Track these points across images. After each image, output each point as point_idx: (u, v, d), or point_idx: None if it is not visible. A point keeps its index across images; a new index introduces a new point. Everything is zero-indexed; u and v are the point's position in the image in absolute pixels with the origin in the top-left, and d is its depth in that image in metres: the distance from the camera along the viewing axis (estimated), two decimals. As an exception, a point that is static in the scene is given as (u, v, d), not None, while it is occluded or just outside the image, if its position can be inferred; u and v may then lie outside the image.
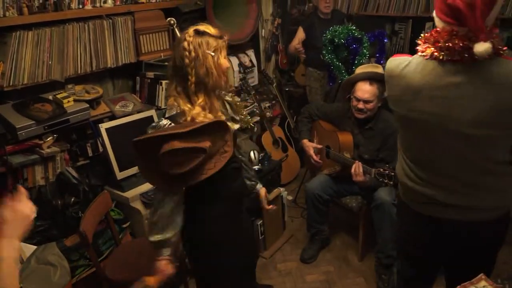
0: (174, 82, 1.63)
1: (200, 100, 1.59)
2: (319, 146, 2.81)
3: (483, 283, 1.47)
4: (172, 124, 1.59)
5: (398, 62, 1.46)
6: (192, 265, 1.89)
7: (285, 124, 4.18)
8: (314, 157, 2.80)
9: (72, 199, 2.38)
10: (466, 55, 1.27)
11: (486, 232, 1.52)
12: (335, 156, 2.64)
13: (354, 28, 3.37)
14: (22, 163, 2.32)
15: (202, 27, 1.61)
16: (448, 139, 1.39)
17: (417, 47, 1.41)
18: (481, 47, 1.21)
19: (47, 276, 1.93)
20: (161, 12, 3.10)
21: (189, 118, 1.57)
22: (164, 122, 1.60)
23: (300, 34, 3.88)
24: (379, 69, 2.56)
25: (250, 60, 3.99)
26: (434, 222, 1.55)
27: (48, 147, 2.43)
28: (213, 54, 1.57)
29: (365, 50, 3.36)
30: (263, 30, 4.23)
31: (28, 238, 2.23)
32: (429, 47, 1.36)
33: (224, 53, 1.63)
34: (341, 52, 3.45)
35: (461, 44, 1.26)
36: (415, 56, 1.42)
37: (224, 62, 1.62)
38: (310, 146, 2.82)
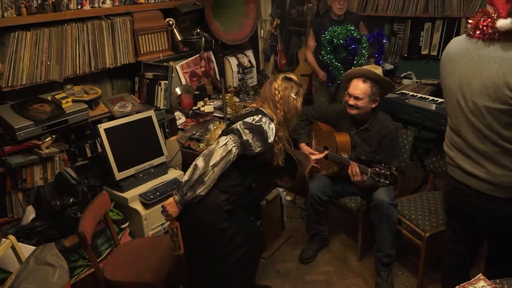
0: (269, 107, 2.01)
1: (283, 134, 2.06)
2: (316, 154, 2.81)
3: (481, 283, 1.47)
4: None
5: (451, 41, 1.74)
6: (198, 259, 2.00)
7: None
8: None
9: (71, 200, 2.38)
10: (490, 32, 1.50)
11: (503, 211, 1.65)
12: (333, 156, 2.65)
13: (353, 28, 3.37)
14: (20, 164, 2.32)
15: (290, 75, 2.06)
16: (466, 108, 1.61)
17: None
18: (503, 22, 1.45)
19: (46, 276, 1.92)
20: (160, 12, 3.10)
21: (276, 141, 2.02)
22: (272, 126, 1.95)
23: (311, 43, 3.81)
24: (378, 70, 2.57)
25: (249, 61, 4.00)
26: (462, 187, 1.73)
27: (47, 148, 2.43)
28: (295, 97, 2.00)
29: (364, 51, 3.37)
30: (262, 31, 4.24)
31: (27, 239, 2.23)
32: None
33: (301, 98, 2.05)
34: (340, 53, 3.45)
35: (486, 22, 1.51)
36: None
37: (300, 105, 2.05)
38: (307, 151, 2.82)
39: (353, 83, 2.55)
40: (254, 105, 2.07)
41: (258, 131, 1.86)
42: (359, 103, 2.52)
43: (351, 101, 2.54)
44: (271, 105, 1.99)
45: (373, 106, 2.56)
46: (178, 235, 1.84)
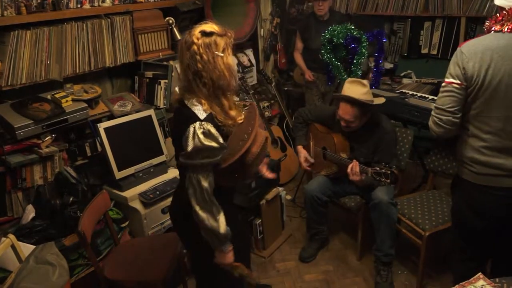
0: (195, 83, 1.58)
1: (226, 103, 1.62)
2: (311, 160, 2.81)
3: (481, 282, 1.48)
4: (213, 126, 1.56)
5: (474, 41, 1.73)
6: (197, 256, 1.87)
7: (283, 124, 4.19)
8: (303, 165, 2.82)
9: (71, 199, 2.38)
10: None
11: None
12: (332, 157, 2.65)
13: (352, 27, 3.37)
14: (20, 163, 2.32)
15: (207, 26, 1.57)
16: (507, 101, 1.64)
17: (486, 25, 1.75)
18: None
19: (45, 275, 1.92)
20: (159, 11, 3.09)
21: (230, 122, 1.62)
22: (209, 127, 1.54)
23: (299, 44, 3.89)
24: (365, 89, 2.49)
25: (249, 60, 4.00)
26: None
27: (47, 147, 2.43)
28: (222, 55, 1.56)
29: (363, 50, 3.37)
30: (262, 30, 4.23)
31: (27, 238, 2.23)
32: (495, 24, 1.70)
33: (230, 50, 1.60)
34: (340, 52, 3.45)
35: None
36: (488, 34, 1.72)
37: (232, 60, 1.59)
38: (302, 154, 2.82)
39: (342, 106, 2.52)
40: (175, 96, 1.68)
41: (202, 152, 1.53)
42: (352, 124, 2.53)
43: (343, 123, 2.55)
44: (192, 81, 1.57)
45: (366, 119, 2.56)
46: (246, 273, 1.70)
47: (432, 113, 1.83)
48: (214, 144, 1.53)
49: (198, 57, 1.53)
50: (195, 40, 1.54)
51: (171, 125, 3.09)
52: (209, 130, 1.53)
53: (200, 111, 1.56)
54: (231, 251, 1.65)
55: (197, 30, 1.56)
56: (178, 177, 2.36)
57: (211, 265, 1.70)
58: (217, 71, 1.55)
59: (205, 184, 1.54)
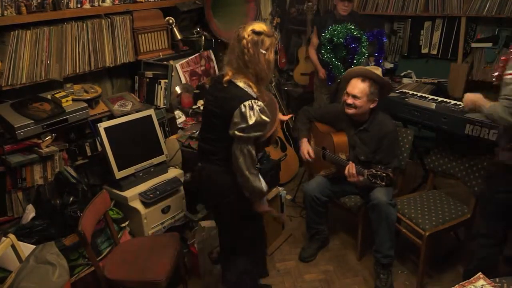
0: (245, 70, 1.88)
1: (262, 89, 1.95)
2: (312, 155, 2.80)
3: (481, 282, 1.48)
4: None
5: None
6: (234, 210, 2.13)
7: (284, 124, 4.18)
8: (306, 155, 2.78)
9: (71, 199, 2.37)
10: None
11: None
12: (331, 157, 2.65)
13: (353, 27, 3.37)
14: (20, 163, 2.32)
15: (258, 26, 1.87)
16: None
17: None
18: None
19: (46, 275, 1.92)
20: (159, 11, 3.10)
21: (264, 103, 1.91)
22: (262, 105, 1.87)
23: (315, 40, 3.77)
24: (378, 71, 2.59)
25: (249, 60, 3.99)
26: None
27: (47, 147, 2.43)
28: (265, 52, 1.85)
29: (364, 49, 3.37)
30: (262, 30, 4.23)
31: (27, 238, 2.23)
32: None
33: (273, 50, 1.90)
34: (340, 52, 3.45)
35: None
36: None
37: (272, 58, 1.90)
38: (305, 148, 2.80)
39: (352, 82, 2.56)
40: (227, 77, 1.91)
41: (256, 127, 1.85)
42: (357, 102, 2.52)
43: (349, 100, 2.55)
44: (243, 69, 1.87)
45: (372, 106, 2.56)
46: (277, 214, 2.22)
47: (505, 104, 1.88)
48: (267, 119, 1.87)
49: (246, 50, 1.83)
50: (246, 36, 1.83)
51: (171, 125, 3.09)
52: (263, 107, 1.86)
53: (251, 91, 1.88)
54: (266, 202, 2.15)
55: (249, 27, 1.85)
56: (178, 177, 2.42)
57: (246, 223, 2.15)
58: (260, 65, 1.86)
59: (253, 152, 1.89)
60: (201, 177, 2.10)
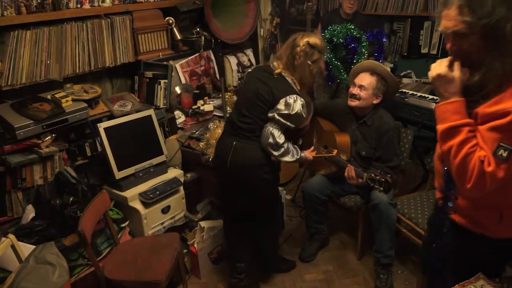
0: (290, 70, 2.20)
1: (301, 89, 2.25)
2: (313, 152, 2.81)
3: (481, 282, 1.48)
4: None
5: None
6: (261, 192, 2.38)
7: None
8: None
9: (71, 199, 2.37)
10: None
11: None
12: (331, 157, 2.65)
13: (352, 27, 3.37)
14: (20, 163, 2.32)
15: (313, 40, 2.15)
16: None
17: None
18: None
19: (45, 275, 1.92)
20: (159, 11, 3.09)
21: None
22: (303, 101, 2.18)
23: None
24: (388, 69, 2.66)
25: (249, 60, 3.99)
26: None
27: (47, 147, 2.43)
28: (311, 64, 2.16)
29: (363, 49, 3.37)
30: (262, 30, 4.23)
31: (27, 238, 2.23)
32: None
33: (319, 63, 2.21)
34: (340, 51, 3.45)
35: None
36: None
37: (316, 70, 2.21)
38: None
39: (360, 75, 2.62)
40: (278, 70, 2.20)
41: (294, 118, 2.15)
42: (363, 93, 2.55)
43: (355, 90, 2.58)
44: (291, 69, 2.18)
45: (375, 102, 2.58)
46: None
47: None
48: (305, 114, 2.19)
49: (297, 57, 2.14)
50: (301, 45, 2.13)
51: (171, 125, 3.09)
52: (305, 104, 2.17)
53: (295, 87, 2.20)
54: (309, 155, 2.43)
55: (306, 38, 2.14)
56: (178, 177, 2.43)
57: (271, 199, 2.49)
58: (304, 73, 2.18)
59: (279, 134, 2.18)
60: (235, 151, 2.25)
